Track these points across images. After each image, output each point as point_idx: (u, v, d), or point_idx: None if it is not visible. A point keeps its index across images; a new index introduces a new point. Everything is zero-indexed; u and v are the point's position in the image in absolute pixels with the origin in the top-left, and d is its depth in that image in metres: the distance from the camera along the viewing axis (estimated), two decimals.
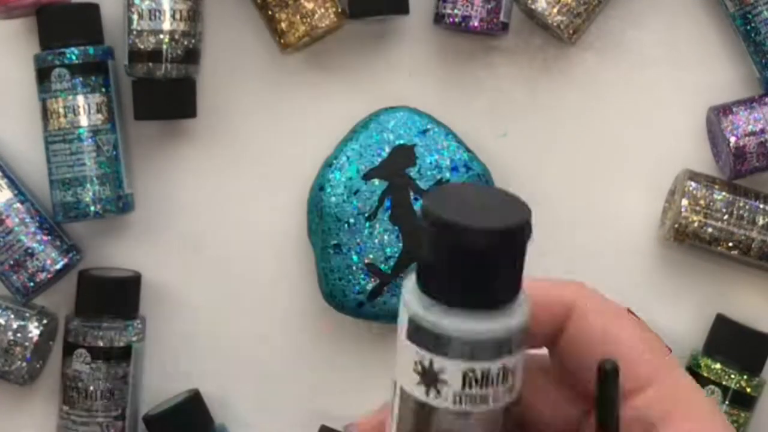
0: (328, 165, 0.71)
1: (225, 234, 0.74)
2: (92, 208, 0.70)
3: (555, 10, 0.69)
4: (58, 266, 0.71)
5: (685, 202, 0.69)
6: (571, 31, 0.69)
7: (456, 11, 0.69)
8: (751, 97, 0.71)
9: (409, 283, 0.35)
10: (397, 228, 0.69)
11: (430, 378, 0.34)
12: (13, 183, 0.72)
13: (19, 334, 0.71)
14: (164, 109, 0.71)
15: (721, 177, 0.72)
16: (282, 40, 0.70)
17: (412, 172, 0.70)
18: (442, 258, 0.33)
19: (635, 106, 0.74)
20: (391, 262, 0.69)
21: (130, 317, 0.72)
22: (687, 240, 0.70)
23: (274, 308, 0.75)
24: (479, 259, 0.33)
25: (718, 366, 0.70)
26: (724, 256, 0.71)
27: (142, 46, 0.69)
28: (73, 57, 0.69)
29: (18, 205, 0.71)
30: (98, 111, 0.70)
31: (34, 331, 0.71)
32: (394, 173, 0.70)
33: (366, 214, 0.69)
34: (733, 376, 0.70)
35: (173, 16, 0.69)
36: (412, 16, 0.72)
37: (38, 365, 0.73)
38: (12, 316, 0.71)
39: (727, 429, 0.38)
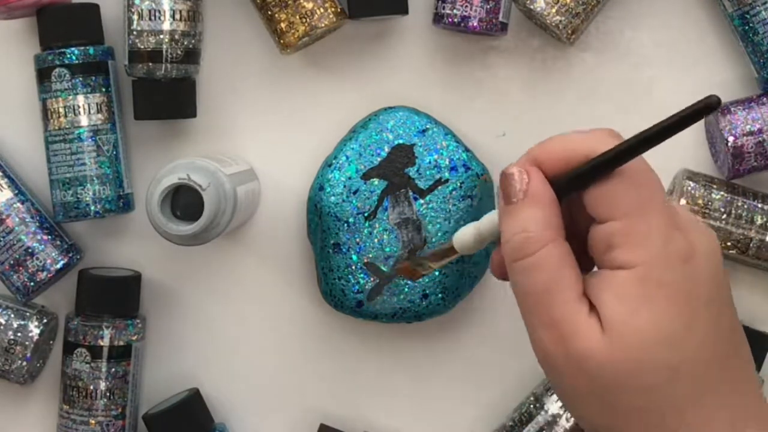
0: (327, 165, 0.71)
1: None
2: (92, 208, 0.70)
3: (554, 11, 0.69)
4: (59, 266, 0.71)
5: (683, 201, 0.70)
6: (569, 32, 0.70)
7: (455, 11, 0.70)
8: (749, 97, 0.71)
9: None
10: (396, 227, 0.69)
11: None
12: (14, 183, 0.72)
13: (19, 334, 0.71)
14: (164, 109, 0.71)
15: (719, 177, 0.72)
16: (282, 40, 0.71)
17: (412, 171, 0.70)
18: None
19: (634, 106, 0.74)
20: (391, 262, 0.69)
21: (130, 316, 0.72)
22: None
23: (273, 308, 0.75)
24: None
25: None
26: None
27: (142, 46, 0.69)
28: (74, 57, 0.69)
29: (18, 204, 0.71)
30: (98, 111, 0.70)
31: (34, 330, 0.71)
32: (393, 173, 0.70)
33: (365, 214, 0.70)
34: None
35: (173, 17, 0.69)
36: (411, 16, 0.72)
37: (38, 364, 0.74)
38: (12, 315, 0.71)
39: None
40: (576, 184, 0.48)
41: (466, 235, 0.54)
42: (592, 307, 0.47)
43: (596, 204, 0.48)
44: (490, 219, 0.53)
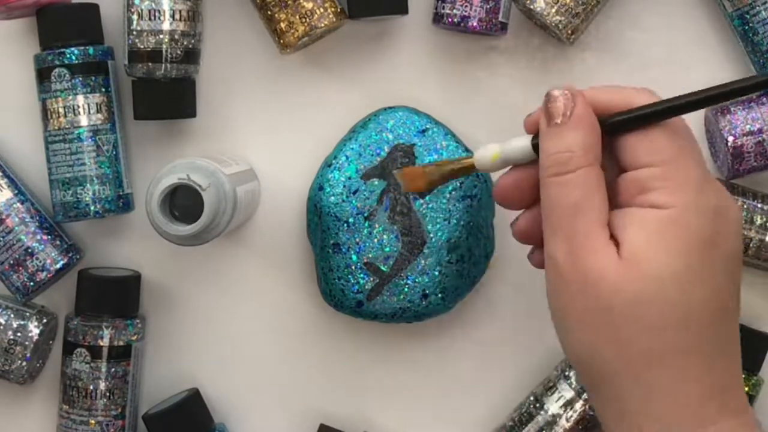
0: (327, 165, 0.71)
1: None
2: (92, 208, 0.70)
3: (553, 10, 0.69)
4: (58, 266, 0.71)
5: None
6: (569, 32, 0.70)
7: (455, 11, 0.70)
8: (749, 97, 0.71)
9: None
10: (395, 227, 0.69)
11: None
12: (13, 183, 0.72)
13: (19, 334, 0.71)
14: (164, 109, 0.71)
15: (719, 176, 0.72)
16: (281, 40, 0.71)
17: None
18: None
19: None
20: (390, 262, 0.69)
21: (130, 316, 0.72)
22: None
23: (273, 308, 0.75)
24: None
25: None
26: None
27: (141, 46, 0.69)
28: (73, 57, 0.69)
29: (18, 204, 0.71)
30: (98, 111, 0.70)
31: (34, 330, 0.71)
32: (393, 173, 0.70)
33: (365, 214, 0.70)
34: None
35: (173, 16, 0.69)
36: (411, 16, 0.72)
37: (38, 364, 0.74)
38: (12, 315, 0.71)
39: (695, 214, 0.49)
40: (619, 126, 0.51)
41: (488, 152, 0.54)
42: (612, 238, 0.49)
43: (637, 149, 0.50)
44: (519, 143, 0.54)
